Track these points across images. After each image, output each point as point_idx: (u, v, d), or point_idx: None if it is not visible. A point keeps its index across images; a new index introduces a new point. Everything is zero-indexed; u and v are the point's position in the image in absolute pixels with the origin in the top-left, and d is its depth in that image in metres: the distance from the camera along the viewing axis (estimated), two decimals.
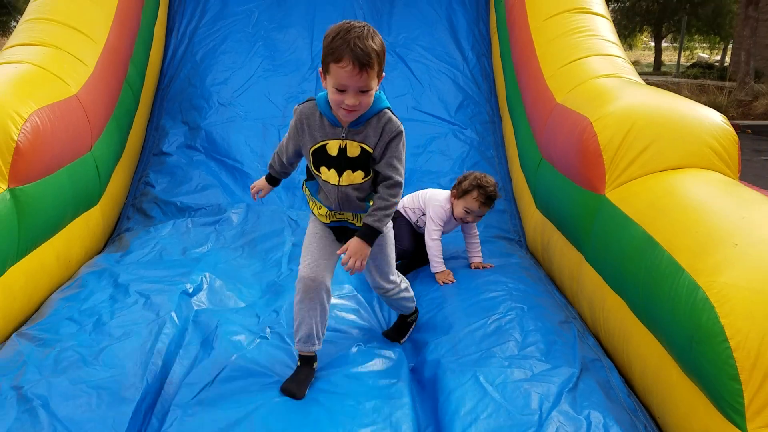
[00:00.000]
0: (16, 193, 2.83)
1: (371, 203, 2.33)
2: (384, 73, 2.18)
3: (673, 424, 2.22)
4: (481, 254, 3.65)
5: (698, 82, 16.65)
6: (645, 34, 31.77)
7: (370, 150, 2.25)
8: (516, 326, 2.81)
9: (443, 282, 3.43)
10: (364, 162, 2.27)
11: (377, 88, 2.17)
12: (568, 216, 3.38)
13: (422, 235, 3.68)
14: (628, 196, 2.77)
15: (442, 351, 2.68)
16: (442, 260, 3.50)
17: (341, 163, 2.27)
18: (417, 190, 3.87)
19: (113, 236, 4.21)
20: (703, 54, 32.87)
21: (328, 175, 2.31)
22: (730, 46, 22.32)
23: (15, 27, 4.30)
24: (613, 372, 2.59)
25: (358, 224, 2.40)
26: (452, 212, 3.59)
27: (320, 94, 2.27)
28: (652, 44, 30.63)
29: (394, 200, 2.29)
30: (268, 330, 2.82)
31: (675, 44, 30.76)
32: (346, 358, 2.65)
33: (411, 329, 2.94)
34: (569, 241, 3.37)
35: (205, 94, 5.26)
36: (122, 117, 4.45)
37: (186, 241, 3.89)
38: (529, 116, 4.33)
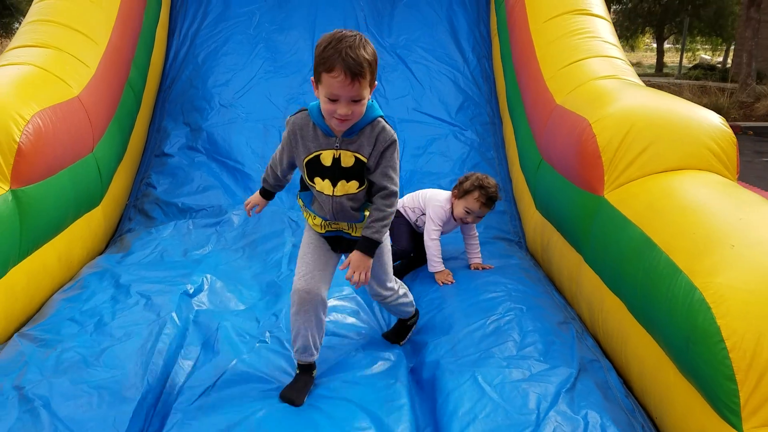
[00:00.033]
0: (18, 194, 2.84)
1: (366, 213, 2.32)
2: (377, 82, 2.17)
3: (670, 425, 2.23)
4: (480, 255, 3.66)
5: (700, 83, 16.63)
6: (647, 35, 31.76)
7: (365, 159, 2.23)
8: (515, 327, 2.83)
9: (442, 282, 3.44)
10: (358, 172, 2.25)
11: (370, 96, 2.15)
12: (567, 217, 3.39)
13: (421, 235, 3.69)
14: (627, 197, 2.78)
15: (441, 352, 2.70)
16: (441, 260, 3.51)
17: (335, 173, 2.25)
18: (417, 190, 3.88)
19: (115, 237, 4.23)
20: (705, 55, 32.83)
21: (323, 185, 2.29)
22: (733, 47, 22.29)
23: (18, 28, 4.32)
24: (612, 372, 2.59)
25: (353, 234, 2.39)
26: (452, 213, 3.60)
27: (312, 103, 2.24)
28: (655, 46, 30.61)
29: (390, 210, 2.29)
30: (267, 334, 2.84)
31: (677, 46, 30.75)
32: (345, 362, 2.66)
33: (411, 332, 2.95)
34: (568, 243, 3.38)
35: (206, 96, 5.28)
36: (124, 118, 4.47)
37: (187, 243, 3.91)
38: (529, 117, 4.34)
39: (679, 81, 18.72)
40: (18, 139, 2.83)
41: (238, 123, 5.09)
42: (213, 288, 3.24)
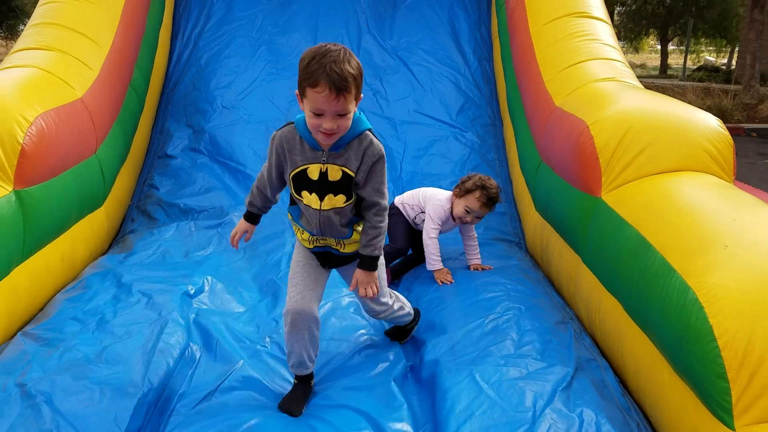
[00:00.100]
0: (21, 194, 2.88)
1: (356, 229, 2.34)
2: (362, 95, 2.14)
3: (665, 423, 2.26)
4: (479, 256, 3.68)
5: (704, 85, 16.61)
6: (651, 37, 31.72)
7: (352, 174, 2.21)
8: (513, 326, 2.85)
9: (441, 281, 3.46)
10: (345, 186, 2.23)
11: (355, 110, 2.13)
12: (565, 218, 3.41)
13: (418, 233, 3.71)
14: (624, 198, 2.80)
15: (440, 351, 2.72)
16: (439, 258, 3.53)
17: (322, 187, 2.23)
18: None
19: (117, 238, 4.26)
20: (709, 57, 32.80)
21: (310, 199, 2.27)
22: (737, 49, 22.26)
23: (22, 31, 4.37)
24: (608, 372, 2.61)
25: (342, 250, 2.40)
26: (451, 212, 3.62)
27: (299, 117, 2.21)
28: (659, 47, 30.56)
29: (383, 225, 2.33)
30: (267, 339, 2.87)
31: (681, 47, 30.71)
32: (344, 366, 2.69)
33: (412, 332, 2.97)
34: (567, 244, 3.40)
35: (209, 98, 5.32)
36: (127, 120, 4.50)
37: (189, 244, 3.94)
38: (528, 119, 4.36)
39: (683, 83, 18.70)
40: (21, 141, 2.86)
41: (240, 125, 5.13)
42: (213, 290, 3.27)
